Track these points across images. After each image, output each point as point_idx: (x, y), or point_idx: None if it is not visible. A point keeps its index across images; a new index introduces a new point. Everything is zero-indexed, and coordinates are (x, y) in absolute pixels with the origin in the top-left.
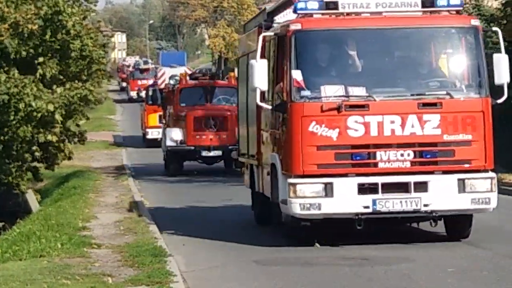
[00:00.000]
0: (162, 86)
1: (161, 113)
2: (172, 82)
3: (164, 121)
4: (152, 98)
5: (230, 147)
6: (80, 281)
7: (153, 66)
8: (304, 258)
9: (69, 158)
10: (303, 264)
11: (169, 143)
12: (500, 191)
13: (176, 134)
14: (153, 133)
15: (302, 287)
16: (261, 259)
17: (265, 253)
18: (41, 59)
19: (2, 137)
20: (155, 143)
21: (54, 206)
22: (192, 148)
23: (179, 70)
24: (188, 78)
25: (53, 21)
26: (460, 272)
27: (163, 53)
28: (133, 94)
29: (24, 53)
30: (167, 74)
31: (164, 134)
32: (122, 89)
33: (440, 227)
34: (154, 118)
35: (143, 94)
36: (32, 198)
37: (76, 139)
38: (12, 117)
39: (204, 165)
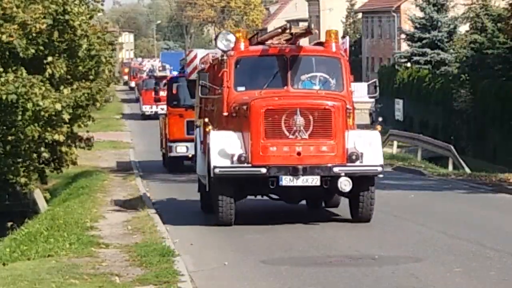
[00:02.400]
0: (195, 77)
1: (191, 118)
2: (222, 46)
3: (199, 123)
4: (176, 96)
5: (336, 168)
6: (88, 281)
7: (173, 73)
8: (312, 258)
9: (74, 164)
10: (311, 264)
11: (216, 161)
12: (506, 191)
13: (230, 144)
14: (179, 149)
15: (310, 287)
16: (269, 259)
17: (273, 253)
18: (50, 59)
19: (10, 137)
20: (181, 166)
21: (62, 206)
22: (263, 170)
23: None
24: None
25: (60, 20)
26: (468, 272)
27: (163, 52)
28: (146, 108)
29: (33, 51)
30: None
31: (201, 145)
32: (138, 100)
33: (449, 228)
34: (180, 127)
35: (159, 109)
36: (40, 198)
37: (83, 144)
38: (19, 117)
39: (279, 203)
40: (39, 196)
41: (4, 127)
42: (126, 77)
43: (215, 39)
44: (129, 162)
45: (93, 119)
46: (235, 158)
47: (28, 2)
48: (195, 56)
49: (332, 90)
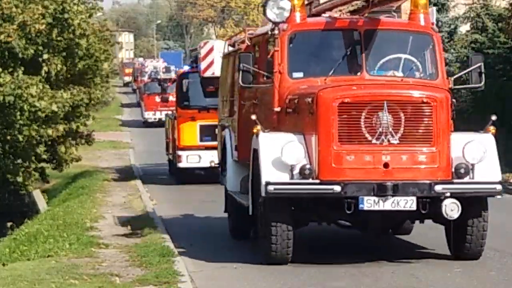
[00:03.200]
0: (211, 73)
1: (205, 122)
2: (273, 15)
3: (228, 122)
4: (187, 95)
5: (438, 186)
6: (88, 281)
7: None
8: (312, 258)
9: (77, 160)
10: (311, 264)
11: (270, 175)
12: (507, 191)
13: (288, 151)
14: (190, 159)
15: (310, 287)
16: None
17: None
18: (45, 56)
19: (8, 137)
20: (191, 176)
21: (62, 206)
22: (337, 188)
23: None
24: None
25: (59, 20)
26: (468, 272)
27: (162, 52)
28: (149, 115)
29: (32, 51)
30: (217, 54)
31: (235, 152)
32: (139, 105)
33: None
34: (191, 132)
35: (163, 116)
36: (40, 198)
37: (83, 141)
38: (18, 117)
39: (348, 231)
40: (39, 196)
41: (3, 128)
42: (126, 78)
43: (264, 6)
44: (130, 166)
45: (93, 117)
46: (296, 171)
47: (28, 1)
48: (211, 49)
49: (423, 78)
